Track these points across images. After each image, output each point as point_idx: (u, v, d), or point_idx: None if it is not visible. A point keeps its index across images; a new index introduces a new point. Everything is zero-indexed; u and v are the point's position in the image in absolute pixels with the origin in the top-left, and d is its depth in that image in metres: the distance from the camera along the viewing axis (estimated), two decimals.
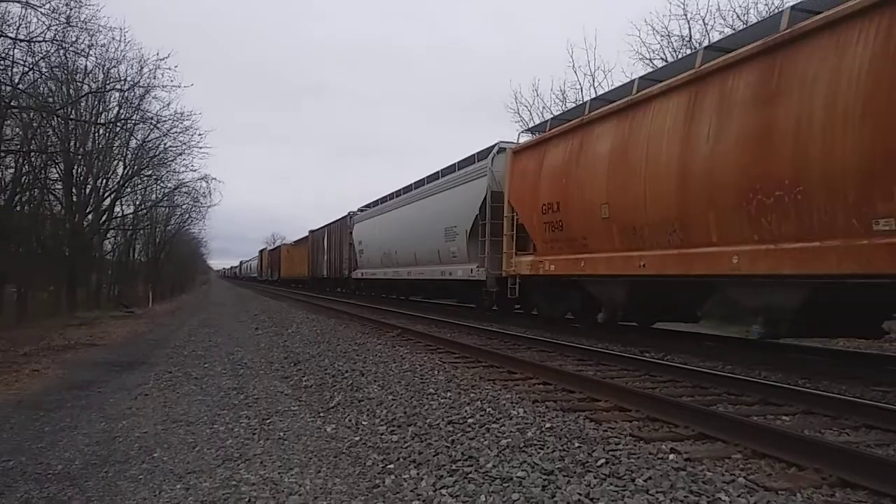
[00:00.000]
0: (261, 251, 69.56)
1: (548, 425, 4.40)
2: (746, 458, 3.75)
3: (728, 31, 16.79)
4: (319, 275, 33.20)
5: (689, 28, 19.62)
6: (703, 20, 19.11)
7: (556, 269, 10.77)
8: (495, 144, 13.86)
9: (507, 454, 3.81)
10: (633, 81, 9.49)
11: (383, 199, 22.88)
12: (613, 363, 7.50)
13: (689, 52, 15.24)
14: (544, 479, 3.34)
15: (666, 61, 18.14)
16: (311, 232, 35.96)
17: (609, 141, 9.34)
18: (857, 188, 5.71)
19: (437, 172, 17.63)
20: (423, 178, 18.72)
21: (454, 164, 16.36)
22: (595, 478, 3.32)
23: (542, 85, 61.23)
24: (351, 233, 25.97)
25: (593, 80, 22.92)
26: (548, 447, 3.88)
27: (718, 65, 7.44)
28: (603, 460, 3.56)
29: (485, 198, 13.51)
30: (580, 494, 3.10)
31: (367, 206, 25.40)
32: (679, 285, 8.37)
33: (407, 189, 20.12)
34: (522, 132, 14.26)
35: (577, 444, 3.90)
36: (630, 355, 7.76)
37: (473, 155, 15.11)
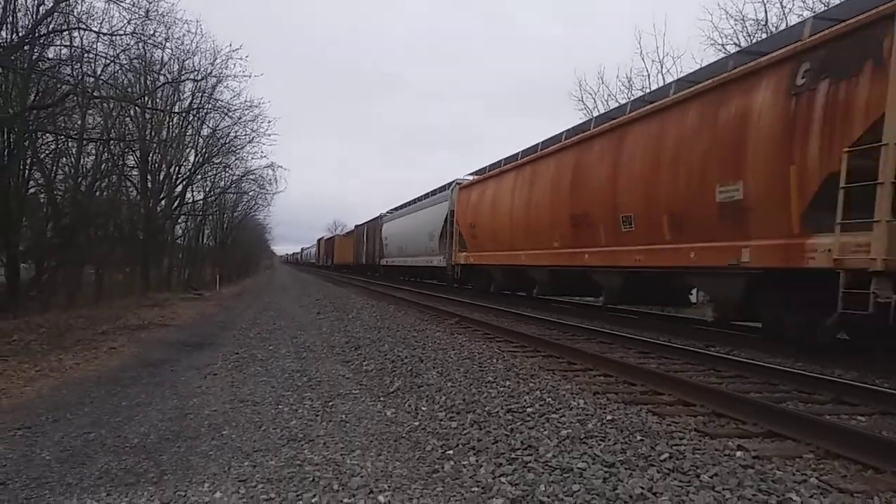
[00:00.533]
0: (318, 240, 76.06)
1: (609, 417, 4.35)
2: (819, 459, 3.61)
3: (807, 13, 15.99)
4: (360, 262, 40.69)
5: (766, 11, 18.83)
6: (781, 2, 18.30)
7: (473, 260, 18.46)
8: (453, 181, 21.56)
9: (568, 445, 3.78)
10: (517, 153, 16.32)
11: (398, 207, 31.05)
12: (676, 356, 7.33)
13: (764, 36, 14.90)
14: (605, 472, 3.31)
15: (739, 46, 17.46)
16: (356, 226, 43.74)
17: (491, 192, 17.05)
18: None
19: (426, 194, 26.25)
20: (420, 196, 27.34)
21: (434, 190, 25.00)
22: (658, 472, 3.26)
23: (607, 72, 60.12)
24: (381, 230, 32.92)
25: (661, 67, 22.37)
26: (609, 439, 3.83)
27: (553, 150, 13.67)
28: (666, 454, 3.49)
29: (446, 216, 21.24)
30: (642, 488, 3.05)
31: (392, 210, 32.63)
32: (528, 269, 14.79)
33: (412, 202, 28.61)
34: (467, 175, 20.83)
35: (639, 438, 3.84)
36: (694, 349, 7.56)
37: (444, 186, 23.08)
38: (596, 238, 11.28)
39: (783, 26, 16.39)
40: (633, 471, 3.30)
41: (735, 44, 18.06)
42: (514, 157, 16.42)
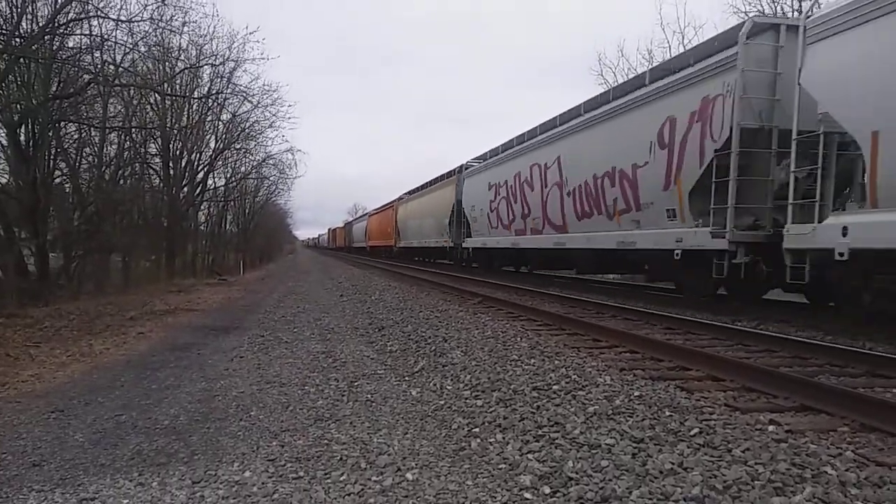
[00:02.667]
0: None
1: (636, 393, 4.30)
2: (854, 432, 3.54)
3: None
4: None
5: None
6: None
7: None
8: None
9: (595, 421, 3.75)
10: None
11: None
12: (703, 332, 7.23)
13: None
14: (634, 447, 3.27)
15: (763, 13, 17.03)
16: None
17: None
18: None
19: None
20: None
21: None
22: (688, 447, 3.21)
23: (627, 45, 59.11)
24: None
25: (682, 38, 21.89)
26: (637, 415, 3.79)
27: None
28: (696, 430, 3.44)
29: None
30: (673, 463, 3.01)
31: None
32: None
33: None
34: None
35: (667, 413, 3.79)
36: (721, 324, 7.45)
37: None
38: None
39: None
40: (663, 446, 3.26)
41: (759, 10, 17.58)
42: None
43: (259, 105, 24.87)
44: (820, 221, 6.98)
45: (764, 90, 8.28)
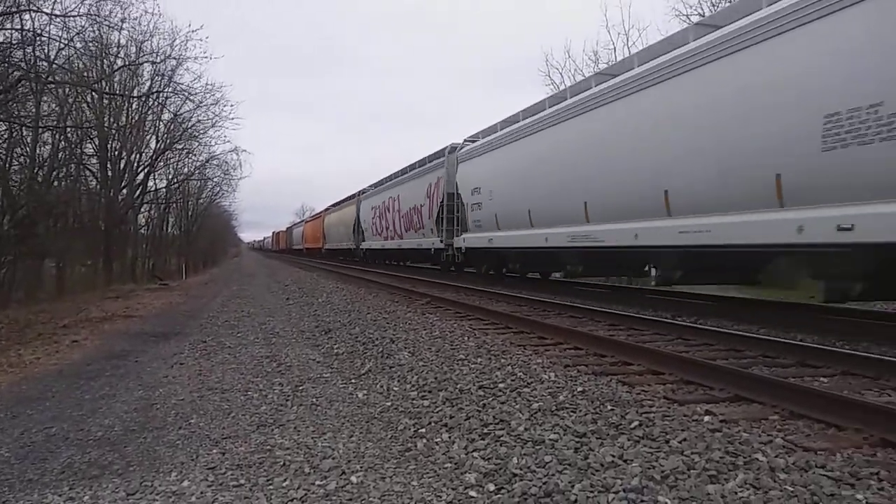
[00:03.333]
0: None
1: (580, 389, 4.37)
2: (784, 420, 3.69)
3: None
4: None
5: None
6: None
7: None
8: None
9: (539, 417, 3.79)
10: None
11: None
12: (645, 327, 7.42)
13: (728, 3, 15.05)
14: (577, 442, 3.32)
15: (702, 16, 17.64)
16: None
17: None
18: None
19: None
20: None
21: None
22: (629, 440, 3.28)
23: (573, 46, 60.16)
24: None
25: (627, 39, 22.39)
26: (580, 410, 3.86)
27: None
28: (636, 422, 3.52)
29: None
30: (613, 456, 3.07)
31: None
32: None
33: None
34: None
35: (609, 407, 3.87)
36: (662, 319, 7.67)
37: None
38: None
39: None
40: (604, 440, 3.32)
41: (700, 13, 18.17)
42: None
43: (202, 104, 24.30)
44: (458, 235, 16.80)
45: (453, 177, 17.19)
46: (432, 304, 10.92)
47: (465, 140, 17.33)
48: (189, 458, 3.66)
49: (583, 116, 10.57)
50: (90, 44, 16.71)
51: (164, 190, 30.88)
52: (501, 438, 3.55)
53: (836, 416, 3.52)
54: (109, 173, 24.48)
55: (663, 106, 8.48)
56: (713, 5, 18.42)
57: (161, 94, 23.37)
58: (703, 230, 7.67)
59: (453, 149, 17.82)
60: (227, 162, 31.95)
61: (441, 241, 18.13)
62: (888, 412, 3.38)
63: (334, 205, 39.85)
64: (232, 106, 25.36)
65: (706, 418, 3.63)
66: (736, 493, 2.59)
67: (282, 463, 3.49)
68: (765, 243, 6.92)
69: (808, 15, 6.26)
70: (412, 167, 22.26)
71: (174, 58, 21.34)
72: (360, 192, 31.36)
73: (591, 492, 2.75)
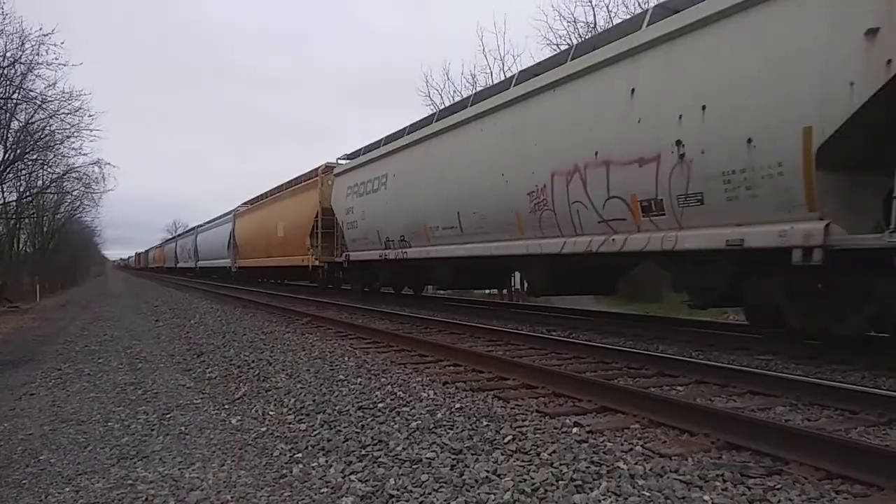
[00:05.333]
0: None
1: (457, 406, 4.45)
2: (644, 428, 3.93)
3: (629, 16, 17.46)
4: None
5: (595, 15, 20.39)
6: (608, 7, 19.78)
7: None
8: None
9: (417, 436, 3.82)
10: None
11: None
12: (522, 342, 7.67)
13: (591, 34, 16.16)
14: (453, 459, 3.37)
15: (571, 45, 18.67)
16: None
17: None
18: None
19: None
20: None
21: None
22: (502, 454, 3.38)
23: (452, 69, 61.63)
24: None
25: (503, 65, 23.21)
26: (457, 427, 3.92)
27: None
28: (510, 437, 3.63)
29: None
30: (487, 471, 3.14)
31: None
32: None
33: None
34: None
35: (485, 423, 3.96)
36: (537, 334, 7.97)
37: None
38: None
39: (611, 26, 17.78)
40: (479, 455, 3.40)
41: (568, 43, 19.23)
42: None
43: (57, 114, 22.41)
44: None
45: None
46: (312, 324, 10.70)
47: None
48: (36, 499, 3.34)
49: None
50: None
51: (14, 204, 28.08)
52: (379, 459, 3.53)
53: (689, 422, 3.81)
54: None
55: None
56: (580, 36, 19.60)
57: (9, 102, 21.33)
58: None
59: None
60: (87, 175, 29.58)
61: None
62: (733, 417, 3.71)
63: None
64: (92, 116, 23.34)
65: (574, 430, 3.82)
66: (599, 501, 2.74)
67: (144, 498, 3.27)
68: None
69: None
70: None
71: (23, 62, 19.57)
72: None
73: None
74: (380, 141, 14.94)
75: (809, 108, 5.33)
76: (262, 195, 26.59)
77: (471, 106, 10.90)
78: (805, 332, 6.28)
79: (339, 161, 17.61)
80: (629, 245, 7.42)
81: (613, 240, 7.65)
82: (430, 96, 26.07)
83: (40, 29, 19.77)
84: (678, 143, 6.54)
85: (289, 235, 21.09)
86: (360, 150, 16.19)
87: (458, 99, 20.02)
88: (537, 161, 8.80)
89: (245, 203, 29.97)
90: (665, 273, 7.86)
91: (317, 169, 18.94)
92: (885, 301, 5.39)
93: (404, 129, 13.76)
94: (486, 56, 31.35)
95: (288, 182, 22.65)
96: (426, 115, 13.68)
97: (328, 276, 18.70)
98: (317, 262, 18.30)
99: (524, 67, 10.52)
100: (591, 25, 19.77)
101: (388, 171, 13.83)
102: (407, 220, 12.97)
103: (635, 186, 7.20)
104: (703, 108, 6.28)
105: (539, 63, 9.90)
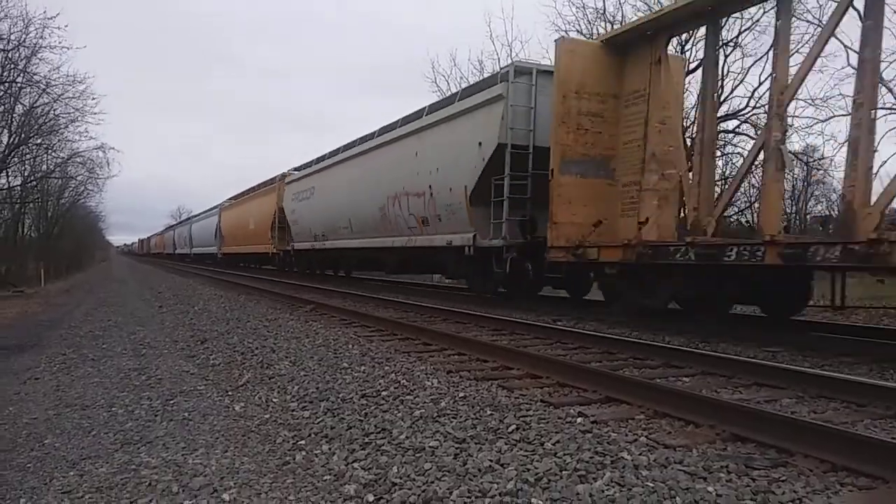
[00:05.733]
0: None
1: (461, 395, 4.44)
2: (648, 419, 3.92)
3: (640, 3, 17.39)
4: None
5: (604, 1, 20.30)
6: None
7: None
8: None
9: (421, 425, 3.81)
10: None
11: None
12: (526, 332, 7.66)
13: (602, 25, 16.06)
14: (456, 448, 3.36)
15: (581, 33, 18.59)
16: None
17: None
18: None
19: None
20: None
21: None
22: (506, 444, 3.37)
23: (459, 55, 61.15)
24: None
25: (511, 51, 22.97)
26: (461, 416, 3.91)
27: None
28: (514, 426, 3.62)
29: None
30: (491, 461, 3.13)
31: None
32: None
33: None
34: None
35: (489, 412, 3.95)
36: (542, 324, 7.95)
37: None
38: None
39: (619, 16, 17.82)
40: (483, 444, 3.39)
41: (577, 30, 19.07)
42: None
43: (62, 97, 22.33)
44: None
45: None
46: (317, 311, 10.71)
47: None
48: (41, 483, 3.35)
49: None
50: None
51: (18, 188, 28.09)
52: (382, 447, 3.53)
53: (694, 413, 3.79)
54: None
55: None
56: (589, 23, 19.40)
57: (13, 85, 21.27)
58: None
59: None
60: (92, 160, 29.52)
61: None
62: (738, 409, 3.69)
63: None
64: (95, 99, 23.15)
65: (579, 420, 3.80)
66: (603, 491, 2.72)
67: (147, 483, 3.28)
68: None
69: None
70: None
71: (27, 46, 19.49)
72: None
73: (469, 497, 2.79)
74: (312, 162, 20.94)
75: (466, 175, 10.94)
76: (240, 193, 32.72)
77: (356, 146, 16.45)
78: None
79: (292, 172, 23.76)
80: (417, 242, 13.06)
81: (411, 239, 13.30)
82: (436, 82, 25.86)
83: (44, 12, 19.62)
84: (430, 186, 12.11)
85: (257, 228, 26.89)
86: (303, 165, 22.17)
87: (464, 85, 20.04)
88: (382, 189, 14.34)
89: (229, 199, 35.42)
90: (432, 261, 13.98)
91: (276, 177, 25.21)
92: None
93: (325, 155, 19.38)
94: (493, 41, 31.07)
95: (258, 185, 29.14)
96: (429, 102, 14.22)
97: (282, 261, 24.79)
98: (275, 250, 24.47)
99: (384, 125, 15.14)
100: (600, 11, 19.54)
101: (314, 185, 19.69)
102: (324, 221, 18.52)
103: (418, 209, 12.70)
104: (437, 169, 11.91)
105: (391, 122, 14.58)
